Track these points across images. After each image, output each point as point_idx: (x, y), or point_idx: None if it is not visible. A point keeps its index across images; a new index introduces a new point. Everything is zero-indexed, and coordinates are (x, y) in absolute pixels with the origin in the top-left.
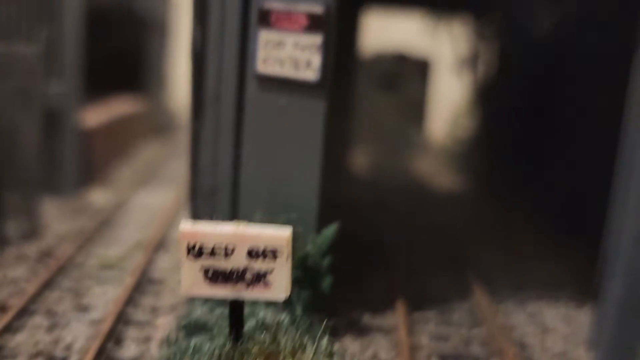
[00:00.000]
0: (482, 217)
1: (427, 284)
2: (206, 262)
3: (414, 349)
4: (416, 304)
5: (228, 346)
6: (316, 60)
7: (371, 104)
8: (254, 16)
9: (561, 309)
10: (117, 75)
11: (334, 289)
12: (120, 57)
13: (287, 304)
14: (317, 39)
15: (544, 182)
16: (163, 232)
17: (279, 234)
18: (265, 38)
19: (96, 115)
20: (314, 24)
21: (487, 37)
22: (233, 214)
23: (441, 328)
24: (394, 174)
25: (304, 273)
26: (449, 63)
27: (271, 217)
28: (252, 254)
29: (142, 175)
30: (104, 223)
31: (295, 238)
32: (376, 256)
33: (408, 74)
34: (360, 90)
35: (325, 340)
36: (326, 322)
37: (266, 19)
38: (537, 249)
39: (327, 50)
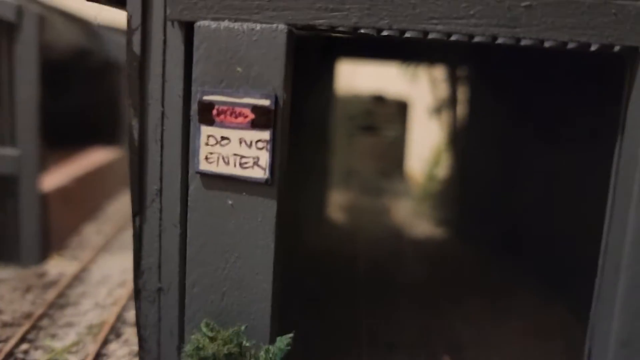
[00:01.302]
0: (454, 270)
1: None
2: None
3: None
4: None
5: None
6: (264, 157)
7: (350, 146)
8: (194, 110)
9: None
10: (89, 125)
11: None
12: (92, 107)
13: None
14: (264, 135)
15: (517, 227)
16: (120, 312)
17: None
18: (206, 133)
19: (58, 176)
20: (261, 118)
21: (462, 83)
22: (180, 319)
23: None
24: (372, 219)
25: None
26: (427, 105)
27: (221, 326)
28: None
29: (109, 236)
30: (57, 301)
31: (244, 354)
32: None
33: (386, 115)
34: (339, 132)
35: None
36: None
37: (207, 113)
38: (514, 314)
39: (276, 146)
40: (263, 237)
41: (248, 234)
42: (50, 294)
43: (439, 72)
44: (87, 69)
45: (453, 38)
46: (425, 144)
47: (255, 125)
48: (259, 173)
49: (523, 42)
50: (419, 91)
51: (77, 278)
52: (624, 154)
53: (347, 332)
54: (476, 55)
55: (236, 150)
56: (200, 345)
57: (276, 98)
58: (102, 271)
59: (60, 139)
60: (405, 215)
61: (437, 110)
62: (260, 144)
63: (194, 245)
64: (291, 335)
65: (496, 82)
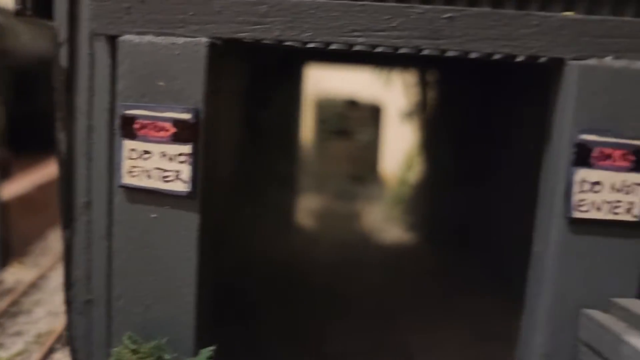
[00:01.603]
0: (415, 276)
1: None
2: None
3: None
4: None
5: None
6: (186, 171)
7: (323, 150)
8: (117, 124)
9: None
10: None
11: None
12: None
13: None
14: (186, 149)
15: (479, 231)
16: None
17: None
18: (129, 147)
19: (22, 183)
20: (182, 132)
21: (431, 87)
22: (109, 332)
23: None
24: (342, 224)
25: None
26: (400, 110)
27: (145, 339)
28: None
29: None
30: (9, 309)
31: None
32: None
33: (359, 119)
34: (313, 136)
35: None
36: None
37: (129, 127)
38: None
39: (198, 159)
40: (186, 249)
41: (171, 246)
42: (3, 303)
43: (411, 77)
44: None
45: (378, 50)
46: (399, 148)
47: (176, 139)
48: (181, 186)
49: (448, 54)
50: (392, 95)
51: (34, 286)
52: (549, 163)
53: (293, 341)
54: (442, 60)
55: (158, 163)
56: (122, 359)
57: (197, 112)
58: (60, 278)
59: (27, 146)
60: (376, 220)
61: (409, 114)
62: (182, 158)
63: (119, 258)
64: (212, 348)
65: (459, 87)
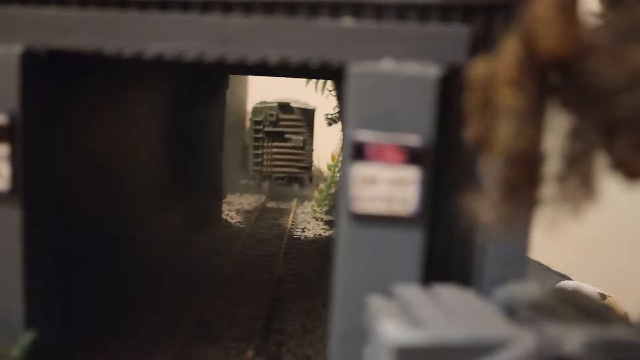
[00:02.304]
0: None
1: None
2: None
3: None
4: None
5: None
6: (5, 169)
7: (259, 152)
8: None
9: None
10: None
11: None
12: None
13: None
14: (4, 149)
15: None
16: None
17: None
18: None
19: None
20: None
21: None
22: None
23: None
24: (270, 223)
25: None
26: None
27: None
28: None
29: None
30: None
31: None
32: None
33: (292, 122)
34: (249, 140)
35: None
36: None
37: None
38: None
39: (17, 158)
40: (9, 245)
41: None
42: None
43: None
44: None
45: (184, 58)
46: (332, 150)
47: None
48: (1, 185)
49: (250, 62)
50: (325, 100)
51: None
52: (343, 166)
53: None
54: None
55: None
56: None
57: (13, 115)
58: None
59: None
60: (303, 218)
61: (331, 119)
62: (1, 158)
63: None
64: (33, 333)
65: None
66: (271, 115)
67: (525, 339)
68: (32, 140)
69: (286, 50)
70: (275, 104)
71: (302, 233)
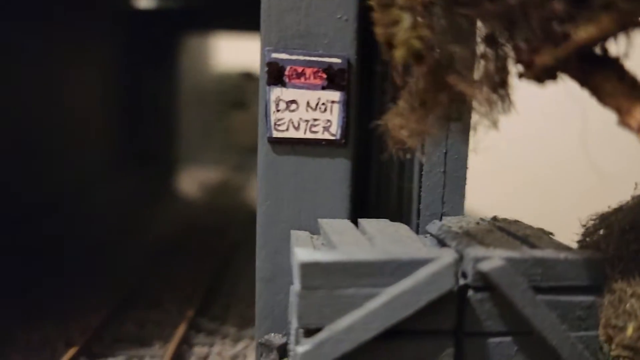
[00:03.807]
0: None
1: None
2: None
3: None
4: (104, 350)
5: None
6: None
7: (219, 122)
8: None
9: None
10: None
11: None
12: None
13: None
14: None
15: None
16: None
17: None
18: None
19: None
20: None
21: None
22: None
23: None
24: (230, 193)
25: None
26: None
27: None
28: None
29: None
30: None
31: None
32: None
33: (256, 90)
34: (212, 109)
35: None
36: None
37: None
38: None
39: None
40: None
41: None
42: None
43: None
44: None
45: None
46: None
47: None
48: None
49: None
50: None
51: None
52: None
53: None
54: None
55: None
56: None
57: None
58: None
59: None
60: None
61: None
62: None
63: None
64: None
65: None
66: (234, 85)
67: (441, 257)
68: None
69: None
70: (238, 73)
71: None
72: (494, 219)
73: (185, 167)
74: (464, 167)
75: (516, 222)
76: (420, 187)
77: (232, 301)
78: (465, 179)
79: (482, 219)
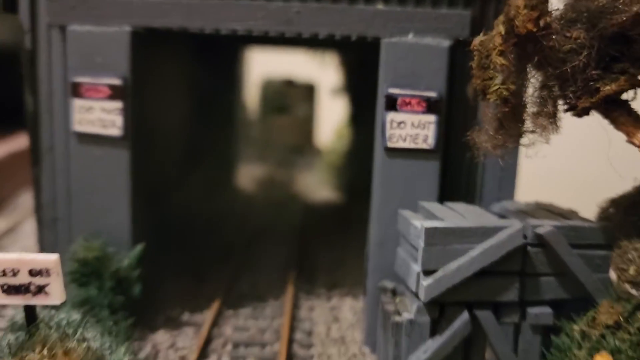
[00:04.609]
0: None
1: (254, 284)
2: (1, 280)
3: (213, 338)
4: (236, 303)
5: (25, 338)
6: (120, 120)
7: (264, 125)
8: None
9: (355, 303)
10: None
11: (162, 292)
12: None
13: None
14: (119, 104)
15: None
16: None
17: (49, 258)
18: (78, 105)
19: None
20: (114, 94)
21: (352, 67)
22: (69, 239)
23: (246, 321)
24: (280, 187)
25: (117, 282)
26: (331, 87)
27: (94, 241)
28: (32, 272)
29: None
30: None
31: (108, 257)
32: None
33: (296, 96)
34: (253, 113)
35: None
36: (130, 320)
37: (76, 90)
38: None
39: (127, 112)
40: (120, 180)
41: (109, 177)
42: None
43: (337, 58)
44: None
45: (252, 34)
46: (332, 121)
47: (111, 97)
48: (115, 131)
49: (303, 35)
50: (326, 74)
51: (10, 231)
52: (378, 112)
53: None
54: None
55: (99, 116)
56: (76, 251)
57: (125, 78)
58: (30, 228)
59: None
60: (310, 183)
61: (336, 91)
62: (115, 112)
63: (75, 185)
64: (142, 245)
65: (361, 68)
66: (278, 91)
67: (513, 225)
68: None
69: (332, 28)
70: (281, 81)
71: (311, 196)
72: (537, 202)
73: (240, 164)
74: (514, 169)
75: (552, 205)
76: (483, 181)
77: (315, 270)
78: (515, 177)
79: (530, 203)
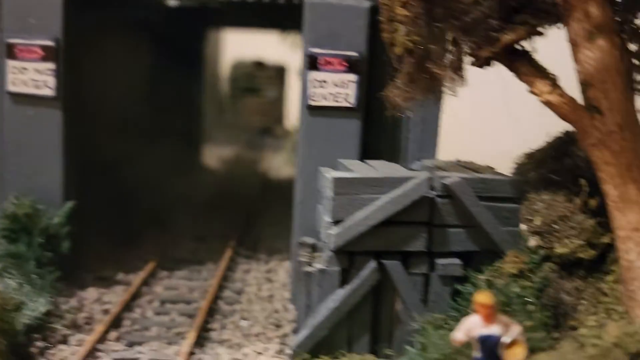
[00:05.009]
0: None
1: (195, 250)
2: None
3: (141, 295)
4: (173, 266)
5: None
6: (51, 80)
7: (234, 106)
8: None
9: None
10: None
11: (100, 255)
12: None
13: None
14: (51, 65)
15: None
16: None
17: None
18: (12, 65)
19: None
20: (47, 55)
21: None
22: (2, 197)
23: (179, 281)
24: (246, 167)
25: (46, 239)
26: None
27: (25, 198)
28: None
29: None
30: None
31: (39, 214)
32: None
33: (266, 78)
34: (221, 94)
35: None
36: (56, 274)
37: (10, 51)
38: None
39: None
40: (52, 140)
41: (42, 137)
42: None
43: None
44: None
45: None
46: None
47: (44, 59)
48: (48, 92)
49: None
50: (296, 56)
51: None
52: (302, 74)
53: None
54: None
55: (32, 76)
56: (6, 208)
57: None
58: None
59: None
60: (275, 163)
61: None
62: (47, 72)
63: (8, 144)
64: (72, 203)
65: None
66: (247, 73)
67: (419, 176)
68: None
69: None
70: (251, 62)
71: (275, 174)
72: (457, 160)
73: (207, 144)
74: (436, 127)
75: (472, 162)
76: (407, 140)
77: (258, 237)
78: (437, 134)
79: (448, 161)
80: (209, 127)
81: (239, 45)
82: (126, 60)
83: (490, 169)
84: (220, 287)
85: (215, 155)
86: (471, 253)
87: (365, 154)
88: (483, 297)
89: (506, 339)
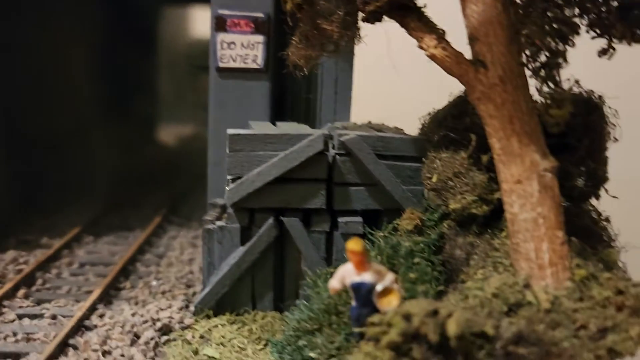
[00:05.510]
0: None
1: (126, 218)
2: None
3: (61, 257)
4: (100, 232)
5: None
6: None
7: (192, 84)
8: None
9: None
10: None
11: (26, 221)
12: None
13: None
14: None
15: None
16: None
17: None
18: None
19: None
20: None
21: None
22: None
23: (102, 246)
24: (197, 144)
25: None
26: None
27: None
28: None
29: None
30: None
31: None
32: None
33: None
34: (180, 73)
35: None
36: None
37: None
38: None
39: None
40: None
41: None
42: None
43: None
44: None
45: None
46: None
47: None
48: None
49: None
50: None
51: None
52: (210, 36)
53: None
54: None
55: None
56: None
57: None
58: None
59: None
60: None
61: None
62: None
63: None
64: None
65: None
66: (202, 50)
67: (317, 133)
68: None
69: None
70: (207, 40)
71: None
72: (369, 122)
73: (164, 123)
74: (349, 88)
75: (383, 124)
76: (321, 103)
77: (195, 207)
78: (350, 96)
79: (360, 123)
80: (169, 106)
81: (200, 23)
82: (75, 36)
83: (396, 129)
84: (143, 252)
85: (172, 133)
86: (377, 212)
87: (281, 116)
88: (353, 244)
89: (379, 287)
